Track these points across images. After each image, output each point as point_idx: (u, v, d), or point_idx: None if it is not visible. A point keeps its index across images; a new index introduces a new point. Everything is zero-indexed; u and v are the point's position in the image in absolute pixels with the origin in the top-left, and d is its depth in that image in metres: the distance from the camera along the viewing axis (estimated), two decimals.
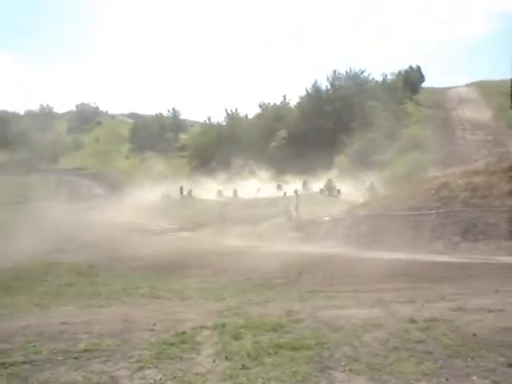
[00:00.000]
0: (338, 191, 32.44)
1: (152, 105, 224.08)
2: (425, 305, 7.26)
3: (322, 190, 33.44)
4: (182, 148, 66.93)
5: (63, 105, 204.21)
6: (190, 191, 38.11)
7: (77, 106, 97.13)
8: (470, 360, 4.51)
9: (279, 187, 35.36)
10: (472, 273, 11.35)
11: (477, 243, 16.13)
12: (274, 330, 5.66)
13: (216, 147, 56.41)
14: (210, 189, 40.04)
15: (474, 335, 5.31)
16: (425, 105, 49.90)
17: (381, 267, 12.77)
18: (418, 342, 5.08)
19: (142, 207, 29.62)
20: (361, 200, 23.79)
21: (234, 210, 27.50)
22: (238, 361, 4.51)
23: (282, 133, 54.23)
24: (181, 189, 39.04)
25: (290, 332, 5.56)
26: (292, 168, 43.22)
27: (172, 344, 5.11)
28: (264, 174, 43.91)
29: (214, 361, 4.57)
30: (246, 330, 5.64)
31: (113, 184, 44.81)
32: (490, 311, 6.59)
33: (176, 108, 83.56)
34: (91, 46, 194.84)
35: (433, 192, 19.58)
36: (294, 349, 4.83)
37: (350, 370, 4.29)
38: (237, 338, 5.31)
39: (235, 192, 36.67)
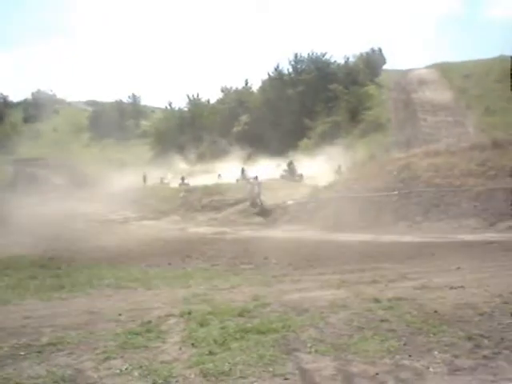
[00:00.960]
0: (301, 176, 32.08)
1: (111, 91, 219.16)
2: (388, 284, 7.41)
3: (282, 175, 32.67)
4: (144, 134, 65.82)
5: (18, 93, 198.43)
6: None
7: (32, 94, 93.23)
8: (431, 336, 4.65)
9: (242, 172, 35.05)
10: (435, 251, 11.63)
11: (439, 222, 16.59)
12: (240, 315, 5.67)
13: (178, 133, 55.77)
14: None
15: (436, 312, 5.45)
16: (386, 87, 50.38)
17: (345, 249, 12.97)
18: (382, 320, 5.19)
19: (105, 196, 29.06)
20: (324, 183, 23.93)
21: (197, 197, 27.29)
22: (204, 347, 4.50)
23: (245, 117, 53.84)
24: (144, 177, 38.45)
25: (256, 317, 5.58)
26: (255, 153, 43.14)
27: (138, 333, 5.05)
28: (227, 159, 43.64)
29: (181, 348, 4.55)
30: (213, 316, 5.63)
31: (73, 174, 43.68)
32: (452, 288, 6.79)
33: (136, 94, 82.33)
34: (47, 31, 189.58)
35: (395, 173, 19.95)
36: (260, 333, 4.86)
37: (316, 351, 4.35)
38: (203, 324, 5.29)
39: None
